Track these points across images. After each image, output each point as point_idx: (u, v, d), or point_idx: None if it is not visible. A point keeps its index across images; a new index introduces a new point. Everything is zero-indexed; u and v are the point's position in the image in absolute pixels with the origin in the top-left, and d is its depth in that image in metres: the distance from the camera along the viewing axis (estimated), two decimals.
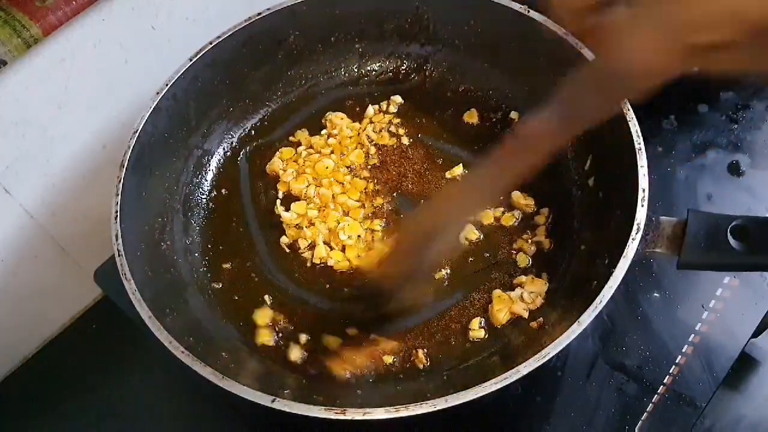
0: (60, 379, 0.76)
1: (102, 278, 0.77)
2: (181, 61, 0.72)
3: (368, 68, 0.86)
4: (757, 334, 0.70)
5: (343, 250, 0.71)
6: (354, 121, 0.81)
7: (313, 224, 0.73)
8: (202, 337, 0.61)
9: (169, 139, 0.72)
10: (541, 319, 0.64)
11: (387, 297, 0.65)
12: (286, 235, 0.73)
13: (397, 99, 0.83)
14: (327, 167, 0.76)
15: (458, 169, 0.76)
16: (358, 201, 0.75)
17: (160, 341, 0.54)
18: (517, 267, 0.69)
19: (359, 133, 0.80)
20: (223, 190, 0.77)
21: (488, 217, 0.72)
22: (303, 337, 0.66)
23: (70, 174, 0.75)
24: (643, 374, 0.66)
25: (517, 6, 0.73)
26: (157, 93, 0.69)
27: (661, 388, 0.65)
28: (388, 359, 0.64)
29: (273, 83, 0.83)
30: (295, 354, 0.65)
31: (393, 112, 0.82)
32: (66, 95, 0.70)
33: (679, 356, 0.67)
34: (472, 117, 0.81)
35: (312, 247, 0.72)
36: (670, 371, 0.66)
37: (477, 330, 0.65)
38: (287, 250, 0.72)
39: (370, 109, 0.82)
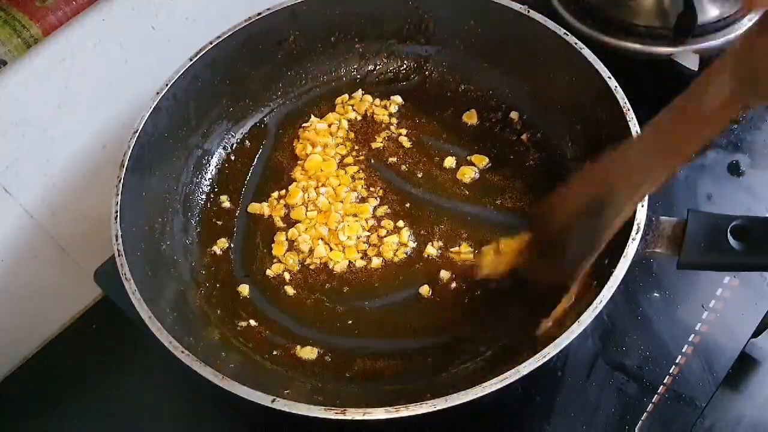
0: (60, 379, 0.76)
1: (102, 278, 0.77)
2: (181, 61, 0.72)
3: (368, 68, 0.86)
4: (757, 334, 0.70)
5: (344, 250, 0.71)
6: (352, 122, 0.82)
7: (314, 227, 0.73)
8: (202, 337, 0.61)
9: (169, 139, 0.72)
10: (541, 318, 0.64)
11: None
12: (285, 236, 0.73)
13: (397, 99, 0.83)
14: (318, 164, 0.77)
15: (451, 160, 0.77)
16: (363, 200, 0.75)
17: (160, 341, 0.54)
18: None
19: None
20: (225, 189, 0.77)
21: None
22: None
23: (70, 174, 0.75)
24: (643, 374, 0.66)
25: (517, 6, 0.73)
26: (157, 93, 0.69)
27: (661, 388, 0.65)
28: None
29: (273, 83, 0.83)
30: (307, 353, 0.65)
31: (393, 112, 0.82)
32: (66, 95, 0.70)
33: (679, 356, 0.67)
34: (471, 118, 0.81)
35: (311, 250, 0.72)
36: (670, 371, 0.66)
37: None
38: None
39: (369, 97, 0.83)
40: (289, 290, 0.69)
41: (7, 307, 0.75)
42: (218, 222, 0.75)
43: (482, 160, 0.77)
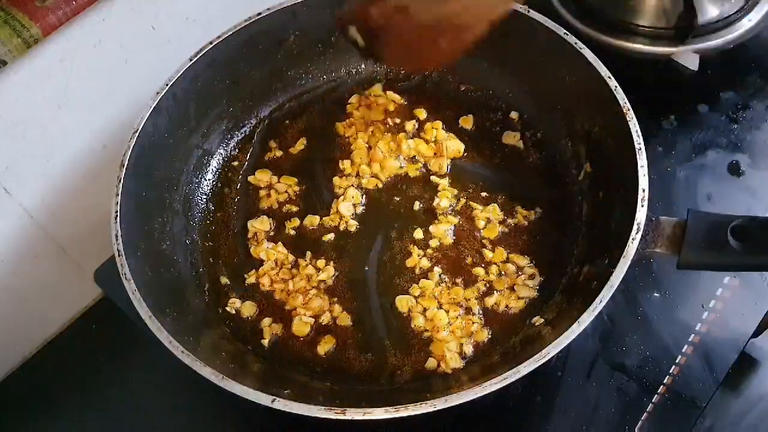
0: (60, 379, 0.76)
1: (102, 278, 0.78)
2: (181, 61, 0.72)
3: (368, 68, 0.86)
4: (757, 334, 0.70)
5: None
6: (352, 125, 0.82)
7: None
8: (202, 337, 0.61)
9: (169, 139, 0.72)
10: (541, 319, 0.64)
11: None
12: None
13: (397, 99, 0.83)
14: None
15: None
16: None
17: (160, 341, 0.54)
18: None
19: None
20: (225, 189, 0.77)
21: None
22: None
23: (70, 174, 0.75)
24: (643, 374, 0.66)
25: (517, 6, 0.73)
26: (157, 93, 0.69)
27: (661, 388, 0.65)
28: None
29: (273, 83, 0.83)
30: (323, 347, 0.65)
31: (393, 112, 0.82)
32: (66, 95, 0.70)
33: (679, 356, 0.67)
34: (467, 123, 0.81)
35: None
36: (670, 371, 0.66)
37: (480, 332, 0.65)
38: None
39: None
40: (289, 287, 0.70)
41: (7, 307, 0.75)
42: (218, 222, 0.75)
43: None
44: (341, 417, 0.50)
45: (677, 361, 0.67)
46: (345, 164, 0.78)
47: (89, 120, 0.74)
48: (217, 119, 0.79)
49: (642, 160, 0.60)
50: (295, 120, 0.83)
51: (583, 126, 0.72)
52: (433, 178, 0.76)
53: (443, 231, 0.71)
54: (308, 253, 0.72)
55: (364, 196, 0.76)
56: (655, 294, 0.71)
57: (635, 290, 0.71)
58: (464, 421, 0.63)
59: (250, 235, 0.74)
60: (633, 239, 0.56)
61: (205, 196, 0.77)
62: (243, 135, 0.81)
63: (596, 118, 0.69)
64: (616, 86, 0.65)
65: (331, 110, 0.83)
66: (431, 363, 0.63)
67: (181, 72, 0.71)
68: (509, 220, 0.72)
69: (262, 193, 0.77)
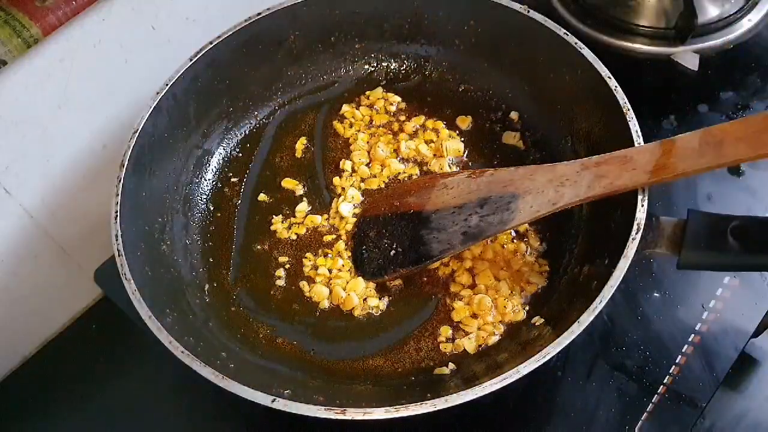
0: (60, 379, 0.76)
1: (102, 278, 0.78)
2: (181, 61, 0.72)
3: (368, 68, 0.86)
4: (757, 334, 0.70)
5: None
6: (352, 125, 0.82)
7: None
8: (202, 337, 0.61)
9: (169, 139, 0.73)
10: (541, 319, 0.64)
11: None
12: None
13: (397, 99, 0.83)
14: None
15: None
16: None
17: (160, 341, 0.54)
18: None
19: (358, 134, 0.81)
20: (225, 189, 0.77)
21: None
22: None
23: (70, 174, 0.75)
24: (643, 374, 0.66)
25: (516, 6, 0.73)
26: (157, 93, 0.69)
27: (661, 388, 0.65)
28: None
29: (273, 83, 0.83)
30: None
31: (393, 112, 0.82)
32: (66, 95, 0.70)
33: (679, 356, 0.67)
34: (464, 123, 0.81)
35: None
36: (670, 371, 0.66)
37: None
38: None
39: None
40: (288, 286, 0.70)
41: (7, 307, 0.75)
42: (218, 222, 0.75)
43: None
44: (341, 417, 0.50)
45: (677, 361, 0.67)
46: (345, 164, 0.78)
47: (89, 120, 0.74)
48: (217, 119, 0.79)
49: None
50: (295, 120, 0.83)
51: (583, 126, 0.72)
52: None
53: None
54: (309, 254, 0.72)
55: (364, 197, 0.76)
56: (655, 294, 0.71)
57: (635, 290, 0.71)
58: (464, 421, 0.63)
59: (251, 236, 0.74)
60: (633, 239, 0.56)
61: (205, 196, 0.77)
62: (243, 135, 0.81)
63: (596, 118, 0.69)
64: (616, 86, 0.65)
65: (331, 110, 0.83)
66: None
67: (181, 72, 0.71)
68: None
69: (262, 196, 0.77)
